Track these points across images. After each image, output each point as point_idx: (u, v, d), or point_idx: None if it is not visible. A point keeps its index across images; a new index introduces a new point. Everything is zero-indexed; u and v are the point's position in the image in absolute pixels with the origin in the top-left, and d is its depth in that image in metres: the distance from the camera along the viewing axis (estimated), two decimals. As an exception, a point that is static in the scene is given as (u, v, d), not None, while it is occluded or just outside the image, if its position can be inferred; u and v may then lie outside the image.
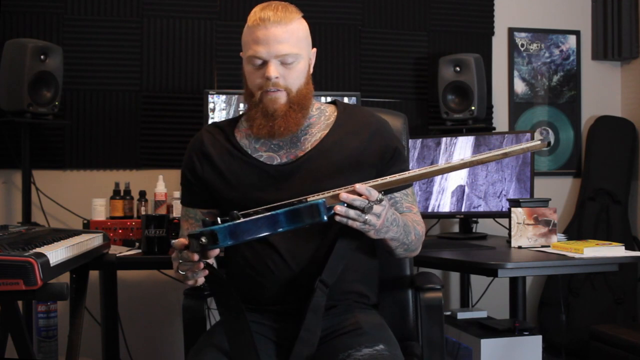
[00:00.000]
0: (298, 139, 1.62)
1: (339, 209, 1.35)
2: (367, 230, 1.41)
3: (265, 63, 1.55)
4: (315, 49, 1.67)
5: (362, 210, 1.36)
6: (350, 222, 1.37)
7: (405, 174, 1.40)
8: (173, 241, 1.41)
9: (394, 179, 1.40)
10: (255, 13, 1.57)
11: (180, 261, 1.38)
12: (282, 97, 1.57)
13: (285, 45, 1.55)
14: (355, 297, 1.62)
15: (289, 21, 1.56)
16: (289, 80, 1.57)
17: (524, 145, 1.36)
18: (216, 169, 1.64)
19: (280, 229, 1.33)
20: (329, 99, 2.74)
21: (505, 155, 1.37)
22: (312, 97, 1.64)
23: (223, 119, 1.82)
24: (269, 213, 1.32)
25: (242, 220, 1.32)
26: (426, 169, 1.40)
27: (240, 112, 2.29)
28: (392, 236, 1.50)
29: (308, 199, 1.37)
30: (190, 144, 1.72)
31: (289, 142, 1.62)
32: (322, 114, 1.67)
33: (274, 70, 1.54)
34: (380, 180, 1.40)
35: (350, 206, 1.36)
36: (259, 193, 1.56)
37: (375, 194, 1.37)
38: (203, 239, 1.31)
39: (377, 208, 1.39)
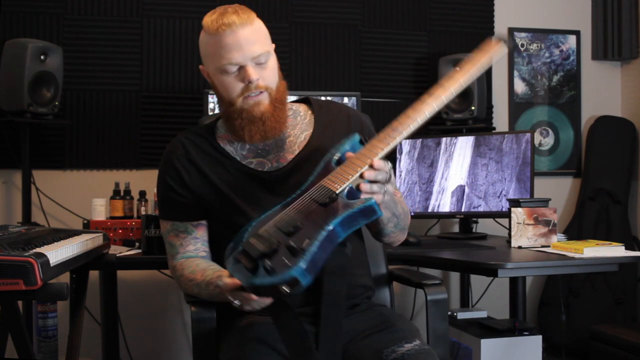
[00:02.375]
0: (283, 142, 1.61)
1: (364, 187, 1.32)
2: (386, 200, 1.40)
3: (241, 68, 1.52)
4: (274, 45, 1.63)
5: (383, 182, 1.35)
6: (375, 197, 1.34)
7: (404, 129, 1.39)
8: (221, 284, 1.37)
9: (396, 140, 1.38)
10: (216, 20, 1.51)
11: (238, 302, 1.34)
12: (265, 99, 1.54)
13: (257, 46, 1.52)
14: (365, 290, 1.65)
15: (253, 21, 1.53)
16: (267, 80, 1.54)
17: (486, 55, 1.48)
18: (206, 179, 1.59)
19: (339, 239, 1.30)
20: (329, 99, 2.76)
21: (471, 73, 1.45)
22: (287, 91, 1.63)
23: (195, 126, 1.74)
24: (326, 232, 1.26)
25: (310, 251, 1.23)
26: (412, 118, 1.41)
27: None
28: (386, 203, 1.46)
29: (324, 184, 1.35)
30: (169, 153, 1.63)
31: (275, 145, 1.61)
32: (296, 114, 1.66)
33: (253, 72, 1.51)
34: (386, 148, 1.37)
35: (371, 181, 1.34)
36: (257, 201, 1.54)
37: (387, 163, 1.37)
38: (285, 288, 1.20)
39: (391, 176, 1.39)
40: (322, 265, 1.26)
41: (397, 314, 1.67)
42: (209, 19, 1.54)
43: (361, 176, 1.33)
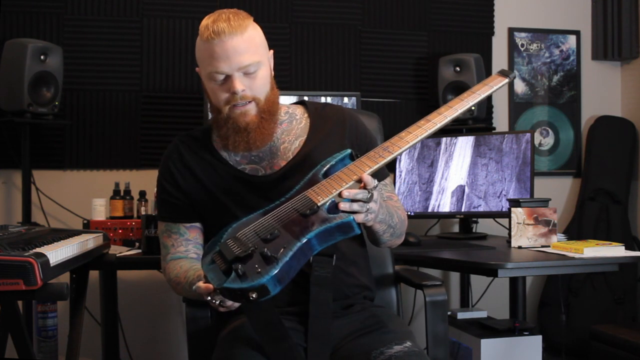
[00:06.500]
0: (277, 149, 1.61)
1: (343, 205, 1.31)
2: (369, 220, 1.37)
3: (228, 77, 1.52)
4: (272, 51, 1.63)
5: (365, 201, 1.33)
6: (355, 216, 1.32)
7: (394, 150, 1.39)
8: (195, 287, 1.35)
9: (386, 160, 1.38)
10: (208, 27, 1.51)
11: (215, 302, 1.32)
12: (251, 109, 1.54)
13: (246, 56, 1.51)
14: (362, 290, 1.64)
15: (244, 29, 1.51)
16: (255, 90, 1.54)
17: (491, 84, 1.52)
18: (199, 181, 1.61)
19: (315, 252, 1.29)
20: (329, 99, 2.76)
21: (474, 99, 1.51)
22: (279, 100, 1.62)
23: (194, 129, 1.74)
24: (301, 243, 1.26)
25: (282, 260, 1.23)
26: (411, 134, 1.45)
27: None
28: (381, 218, 1.47)
29: (308, 195, 1.35)
30: (167, 155, 1.67)
31: (269, 152, 1.61)
32: (292, 118, 1.66)
33: (239, 83, 1.51)
34: (374, 167, 1.37)
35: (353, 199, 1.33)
36: (248, 205, 1.53)
37: (373, 181, 1.35)
38: (253, 295, 1.20)
39: (374, 194, 1.36)
40: (293, 275, 1.25)
41: (392, 315, 1.66)
42: (203, 24, 1.53)
43: (340, 194, 1.32)
